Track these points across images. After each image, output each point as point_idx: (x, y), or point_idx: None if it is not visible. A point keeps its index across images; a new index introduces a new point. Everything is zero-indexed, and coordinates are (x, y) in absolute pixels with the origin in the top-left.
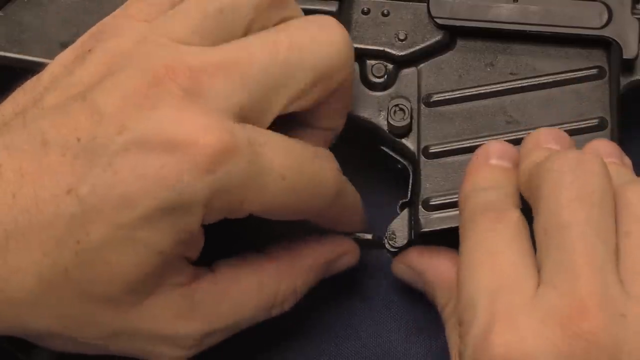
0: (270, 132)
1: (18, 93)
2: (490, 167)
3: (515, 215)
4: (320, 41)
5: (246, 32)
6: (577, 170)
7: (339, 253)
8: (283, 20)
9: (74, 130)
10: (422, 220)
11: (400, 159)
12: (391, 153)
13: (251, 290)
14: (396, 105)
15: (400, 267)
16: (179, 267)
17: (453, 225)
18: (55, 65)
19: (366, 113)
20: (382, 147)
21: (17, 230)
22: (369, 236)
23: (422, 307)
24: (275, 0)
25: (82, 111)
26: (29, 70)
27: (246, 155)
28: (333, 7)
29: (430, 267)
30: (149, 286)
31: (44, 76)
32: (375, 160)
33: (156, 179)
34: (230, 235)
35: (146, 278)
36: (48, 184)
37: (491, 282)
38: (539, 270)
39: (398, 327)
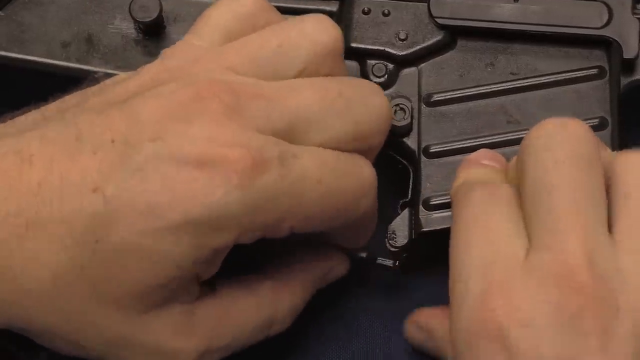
0: (302, 145)
1: (67, 97)
2: (481, 165)
3: (505, 189)
4: (368, 102)
5: (298, 75)
6: (562, 134)
7: (331, 265)
8: (331, 74)
9: (108, 131)
10: (422, 220)
11: (401, 159)
12: (392, 153)
13: (250, 309)
14: (397, 105)
15: (412, 328)
16: (190, 286)
17: None
18: (111, 78)
19: None
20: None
21: (38, 220)
22: (362, 254)
23: None
24: (331, 51)
25: (119, 115)
26: (30, 70)
27: (277, 169)
28: (334, 7)
29: (440, 324)
30: (158, 298)
31: (96, 85)
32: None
33: (186, 192)
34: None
35: (158, 289)
36: (75, 179)
37: (484, 253)
38: (529, 236)
39: None
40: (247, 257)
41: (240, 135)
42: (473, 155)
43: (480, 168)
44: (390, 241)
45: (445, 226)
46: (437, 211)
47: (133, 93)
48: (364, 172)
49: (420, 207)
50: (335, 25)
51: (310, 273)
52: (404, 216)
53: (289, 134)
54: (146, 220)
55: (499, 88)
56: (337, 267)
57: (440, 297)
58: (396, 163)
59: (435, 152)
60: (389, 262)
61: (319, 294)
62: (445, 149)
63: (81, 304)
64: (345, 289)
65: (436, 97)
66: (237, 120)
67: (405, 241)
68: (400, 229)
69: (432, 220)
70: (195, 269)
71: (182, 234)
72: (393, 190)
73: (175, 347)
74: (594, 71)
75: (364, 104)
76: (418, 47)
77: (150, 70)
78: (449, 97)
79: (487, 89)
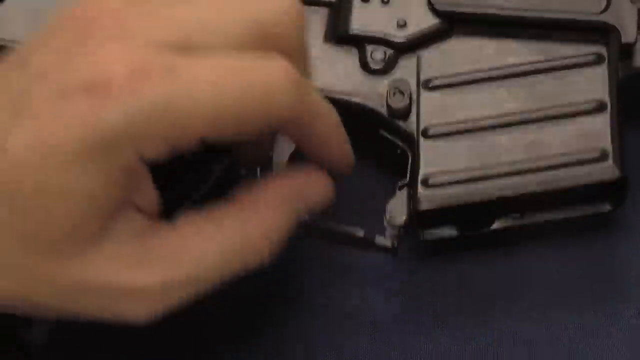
0: (196, 52)
1: None
2: None
3: None
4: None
5: None
6: None
7: (310, 187)
8: None
9: (8, 89)
10: (421, 199)
11: (399, 143)
12: (390, 137)
13: (212, 238)
14: (395, 88)
15: None
16: (127, 216)
17: (452, 204)
18: None
19: (366, 98)
20: (380, 131)
21: None
22: (360, 233)
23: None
24: None
25: (17, 70)
26: None
27: (161, 77)
28: None
29: None
30: (90, 234)
31: None
32: (373, 151)
33: (75, 121)
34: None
35: (83, 225)
36: None
37: None
38: None
39: None
40: (218, 193)
41: (123, 53)
42: None
43: None
44: (388, 220)
45: (443, 205)
46: (435, 190)
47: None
48: (272, 67)
49: (419, 186)
50: None
51: (284, 194)
52: (401, 196)
53: (184, 44)
54: (48, 161)
55: (498, 73)
56: (319, 190)
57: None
58: (395, 148)
59: (434, 133)
60: (387, 242)
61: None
62: (444, 131)
63: (18, 259)
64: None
65: (435, 82)
66: (122, 39)
67: (403, 219)
68: (398, 208)
69: (430, 199)
70: (115, 195)
71: (84, 163)
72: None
73: (133, 281)
74: (592, 57)
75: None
76: (417, 34)
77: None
78: (447, 82)
79: (485, 74)
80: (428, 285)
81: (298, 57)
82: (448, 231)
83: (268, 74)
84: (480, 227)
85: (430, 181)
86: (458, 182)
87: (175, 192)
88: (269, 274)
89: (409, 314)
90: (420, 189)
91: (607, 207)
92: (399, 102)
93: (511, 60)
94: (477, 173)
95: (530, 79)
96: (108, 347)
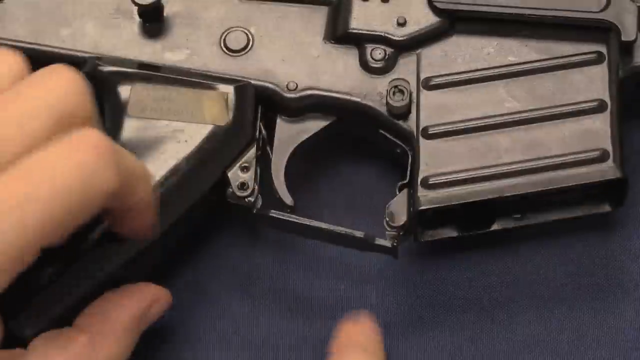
0: None
1: None
2: None
3: None
4: (46, 86)
5: None
6: None
7: (149, 301)
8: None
9: None
10: (421, 199)
11: (399, 142)
12: (390, 137)
13: None
14: (395, 87)
15: None
16: None
17: (452, 203)
18: None
19: (365, 97)
20: (380, 131)
21: None
22: (360, 234)
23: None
24: None
25: None
26: None
27: None
28: None
29: None
30: None
31: None
32: (372, 152)
33: None
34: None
35: None
36: None
37: None
38: None
39: None
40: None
41: None
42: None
43: None
44: (388, 221)
45: (443, 204)
46: (435, 190)
47: None
48: (81, 151)
49: (419, 186)
50: None
51: (127, 317)
52: (402, 197)
53: None
54: None
55: (498, 72)
56: (157, 303)
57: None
58: (394, 147)
59: (434, 133)
60: (387, 243)
61: None
62: (444, 130)
63: None
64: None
65: (435, 81)
66: None
67: (403, 221)
68: (398, 209)
69: (430, 199)
70: None
71: None
72: (394, 177)
73: None
74: (592, 56)
75: (40, 92)
76: (417, 32)
77: None
78: (448, 80)
79: (485, 73)
80: (428, 285)
81: (95, 121)
82: (448, 232)
83: (80, 161)
84: (480, 228)
85: (430, 181)
86: (458, 182)
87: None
88: (268, 274)
89: (409, 313)
90: (420, 189)
91: (607, 207)
92: (398, 102)
93: (511, 59)
94: (477, 173)
95: (530, 78)
96: None
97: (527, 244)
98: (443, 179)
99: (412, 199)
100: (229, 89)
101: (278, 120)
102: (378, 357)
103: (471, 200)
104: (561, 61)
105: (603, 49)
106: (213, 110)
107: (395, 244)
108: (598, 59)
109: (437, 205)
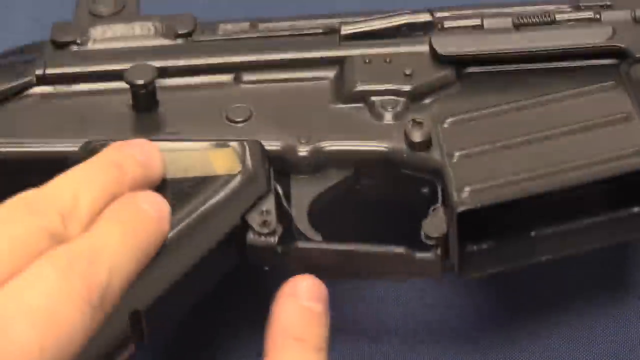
0: None
1: None
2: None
3: None
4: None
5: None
6: None
7: None
8: None
9: None
10: (459, 202)
11: (425, 176)
12: (415, 174)
13: None
14: (412, 121)
15: None
16: None
17: (492, 202)
18: None
19: (383, 140)
20: (402, 170)
21: None
22: (400, 249)
23: None
24: None
25: None
26: None
27: None
28: (331, 73)
29: None
30: None
31: None
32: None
33: None
34: None
35: None
36: None
37: None
38: None
39: None
40: None
41: None
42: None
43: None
44: (426, 234)
45: (485, 203)
46: (472, 197)
47: None
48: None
49: (455, 194)
50: None
51: None
52: (436, 213)
53: None
54: None
55: (515, 106)
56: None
57: None
58: (420, 187)
59: (461, 155)
60: (430, 256)
61: None
62: (469, 152)
63: None
64: None
65: (450, 120)
66: None
67: (444, 229)
68: (434, 222)
69: (469, 202)
70: None
71: None
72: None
73: None
74: (609, 82)
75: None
76: (425, 82)
77: None
78: (464, 117)
79: (502, 108)
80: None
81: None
82: (490, 265)
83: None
84: (519, 234)
85: (466, 190)
86: (494, 185)
87: None
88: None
89: (417, 321)
90: (457, 196)
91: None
92: (419, 135)
93: (525, 96)
94: (512, 177)
95: (548, 107)
96: None
97: None
98: (479, 186)
99: (450, 207)
100: (235, 144)
101: (292, 179)
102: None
103: (511, 197)
104: (578, 91)
105: (617, 73)
106: (222, 162)
107: (438, 254)
108: (615, 84)
109: (477, 204)
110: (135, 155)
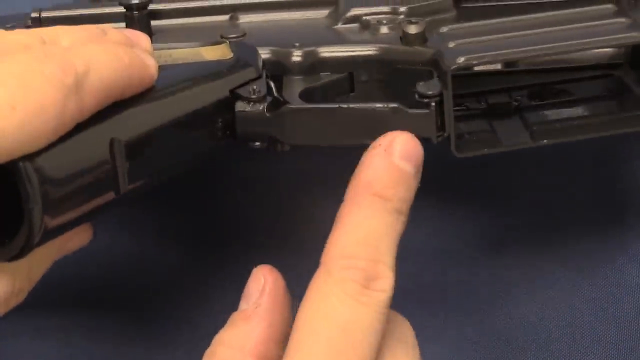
0: None
1: None
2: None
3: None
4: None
5: None
6: None
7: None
8: None
9: None
10: (451, 61)
11: (420, 67)
12: (410, 67)
13: None
14: (408, 20)
15: None
16: None
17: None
18: None
19: (377, 46)
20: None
21: None
22: (394, 104)
23: None
24: None
25: None
26: None
27: None
28: (327, 11)
29: None
30: None
31: None
32: None
33: None
34: None
35: None
36: None
37: None
38: None
39: None
40: None
41: None
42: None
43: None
44: (421, 92)
45: (474, 62)
46: (462, 49)
47: None
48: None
49: (445, 57)
50: None
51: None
52: (430, 80)
53: None
54: None
55: (511, 19)
56: (78, 235)
57: None
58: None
59: (457, 43)
60: (424, 110)
61: None
62: (464, 41)
63: None
64: None
65: (447, 27)
66: None
67: (438, 88)
68: (427, 85)
69: (459, 53)
70: None
71: None
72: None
73: None
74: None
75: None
76: (422, 4)
77: None
78: (461, 25)
79: (498, 19)
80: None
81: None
82: (485, 143)
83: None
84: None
85: (459, 59)
86: (487, 55)
87: None
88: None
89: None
90: (448, 59)
91: None
92: (414, 28)
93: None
94: (505, 50)
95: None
96: None
97: None
98: (472, 56)
99: (444, 72)
100: (228, 42)
101: (285, 79)
102: None
103: (500, 58)
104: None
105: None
106: (214, 54)
107: (433, 109)
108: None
109: (468, 62)
110: (123, 32)
